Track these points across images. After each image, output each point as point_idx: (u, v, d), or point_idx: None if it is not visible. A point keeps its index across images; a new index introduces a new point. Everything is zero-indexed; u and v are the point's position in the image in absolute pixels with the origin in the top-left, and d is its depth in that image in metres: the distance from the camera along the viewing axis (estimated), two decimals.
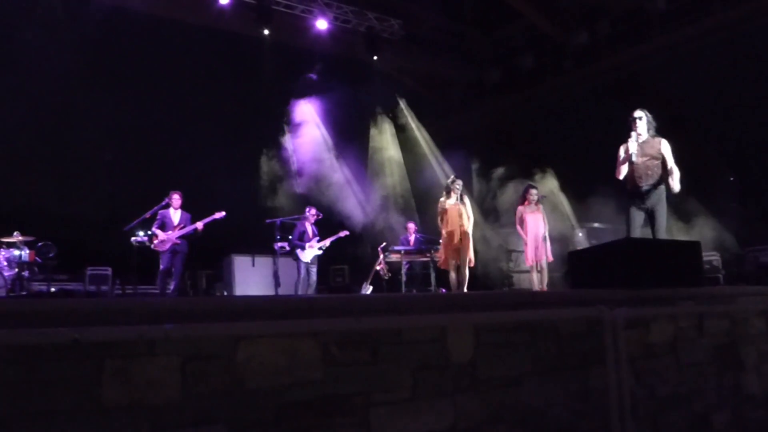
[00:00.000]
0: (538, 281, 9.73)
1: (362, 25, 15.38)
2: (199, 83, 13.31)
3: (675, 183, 6.29)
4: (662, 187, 6.42)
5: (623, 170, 6.53)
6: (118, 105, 12.34)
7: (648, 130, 6.57)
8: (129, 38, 12.51)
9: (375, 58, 15.90)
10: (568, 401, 3.32)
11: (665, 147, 6.47)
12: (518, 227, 9.92)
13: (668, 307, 4.06)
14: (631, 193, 6.52)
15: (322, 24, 14.64)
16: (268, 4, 13.90)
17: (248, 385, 2.41)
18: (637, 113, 6.61)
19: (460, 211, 9.04)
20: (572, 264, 5.45)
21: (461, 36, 18.41)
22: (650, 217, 6.41)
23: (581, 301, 3.62)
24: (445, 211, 9.14)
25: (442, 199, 9.27)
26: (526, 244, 9.81)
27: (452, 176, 9.53)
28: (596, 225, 12.29)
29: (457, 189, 9.11)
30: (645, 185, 6.39)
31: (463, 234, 8.96)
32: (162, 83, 12.62)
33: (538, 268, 9.71)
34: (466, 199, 9.24)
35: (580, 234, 12.31)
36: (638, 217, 6.46)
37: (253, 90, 14.29)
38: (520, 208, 9.94)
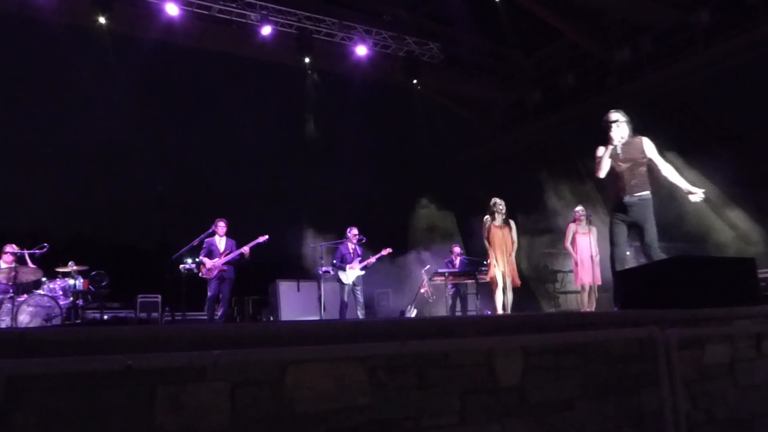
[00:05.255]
0: (587, 302, 9.57)
1: (401, 49, 15.54)
2: (242, 113, 13.66)
3: (687, 185, 5.63)
4: (649, 197, 5.75)
5: (605, 166, 5.79)
6: (165, 137, 12.74)
7: (629, 130, 5.86)
8: (175, 73, 12.95)
9: (415, 82, 16.02)
10: (622, 426, 3.22)
11: (648, 146, 5.80)
12: (567, 245, 9.80)
13: (723, 327, 3.93)
14: (615, 204, 5.83)
15: (361, 50, 14.86)
16: (308, 34, 14.18)
17: (297, 410, 2.42)
18: (613, 116, 5.91)
19: (505, 233, 8.98)
20: (621, 284, 5.33)
21: (501, 57, 18.43)
22: (638, 230, 5.73)
23: (632, 322, 3.53)
24: (490, 233, 9.10)
25: (486, 218, 9.22)
26: (575, 263, 9.68)
27: (495, 198, 9.46)
28: None
29: (501, 211, 9.06)
30: (631, 197, 5.69)
31: (509, 256, 8.91)
32: (206, 114, 13.01)
33: (588, 289, 9.56)
34: (512, 222, 9.18)
35: (628, 253, 12.03)
36: (622, 231, 5.79)
37: (294, 117, 14.56)
38: (571, 225, 9.83)
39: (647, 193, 5.73)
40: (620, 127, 5.81)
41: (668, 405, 3.03)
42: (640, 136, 5.87)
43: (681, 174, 5.88)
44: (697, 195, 5.69)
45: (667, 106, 14.58)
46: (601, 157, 5.81)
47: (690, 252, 10.64)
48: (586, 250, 9.51)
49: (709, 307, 4.01)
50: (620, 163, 5.74)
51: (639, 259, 11.42)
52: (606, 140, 5.88)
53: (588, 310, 9.35)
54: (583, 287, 9.61)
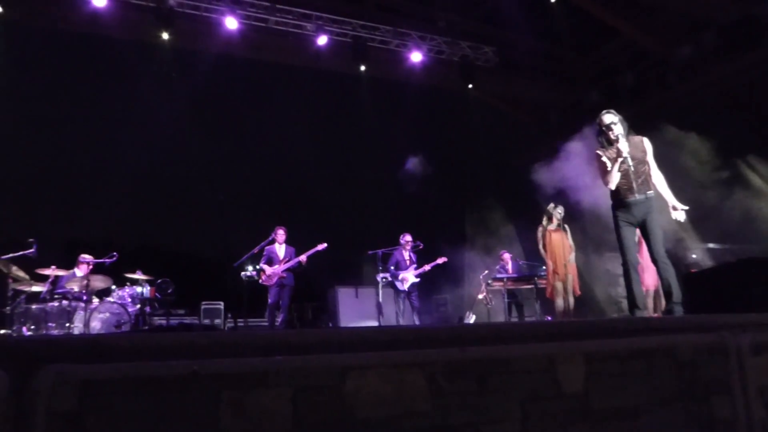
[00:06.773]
0: (653, 307, 9.28)
1: (456, 54, 15.47)
2: (298, 122, 13.85)
3: (673, 199, 5.53)
4: (654, 196, 5.58)
5: (615, 178, 5.56)
6: (225, 147, 13.05)
7: (624, 130, 5.61)
8: (233, 84, 13.26)
9: (470, 86, 15.93)
10: None
11: (648, 146, 5.64)
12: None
13: None
14: (618, 204, 5.66)
15: (416, 56, 14.86)
16: (363, 42, 14.29)
17: (357, 415, 2.43)
18: (608, 118, 5.64)
19: (563, 239, 8.86)
20: (690, 287, 5.17)
21: (557, 58, 18.13)
22: (643, 229, 5.57)
23: (701, 327, 3.42)
24: (548, 238, 8.98)
25: (543, 225, 9.11)
26: (641, 266, 9.42)
27: (553, 203, 9.33)
28: (711, 245, 11.58)
29: (559, 215, 8.94)
30: (638, 195, 5.51)
31: (567, 261, 8.79)
32: (263, 124, 13.26)
33: (653, 293, 9.27)
34: (566, 227, 9.06)
35: (695, 255, 11.63)
36: (631, 234, 5.64)
37: (349, 124, 14.70)
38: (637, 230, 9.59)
39: (652, 192, 5.57)
40: (618, 128, 5.58)
41: (742, 413, 2.91)
42: (639, 136, 5.71)
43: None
44: (680, 213, 5.58)
45: (732, 102, 14.04)
46: (610, 169, 5.56)
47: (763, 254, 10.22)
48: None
49: None
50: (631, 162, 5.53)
51: (708, 262, 11.07)
52: (601, 144, 5.71)
53: (655, 315, 9.08)
54: (647, 291, 9.33)
